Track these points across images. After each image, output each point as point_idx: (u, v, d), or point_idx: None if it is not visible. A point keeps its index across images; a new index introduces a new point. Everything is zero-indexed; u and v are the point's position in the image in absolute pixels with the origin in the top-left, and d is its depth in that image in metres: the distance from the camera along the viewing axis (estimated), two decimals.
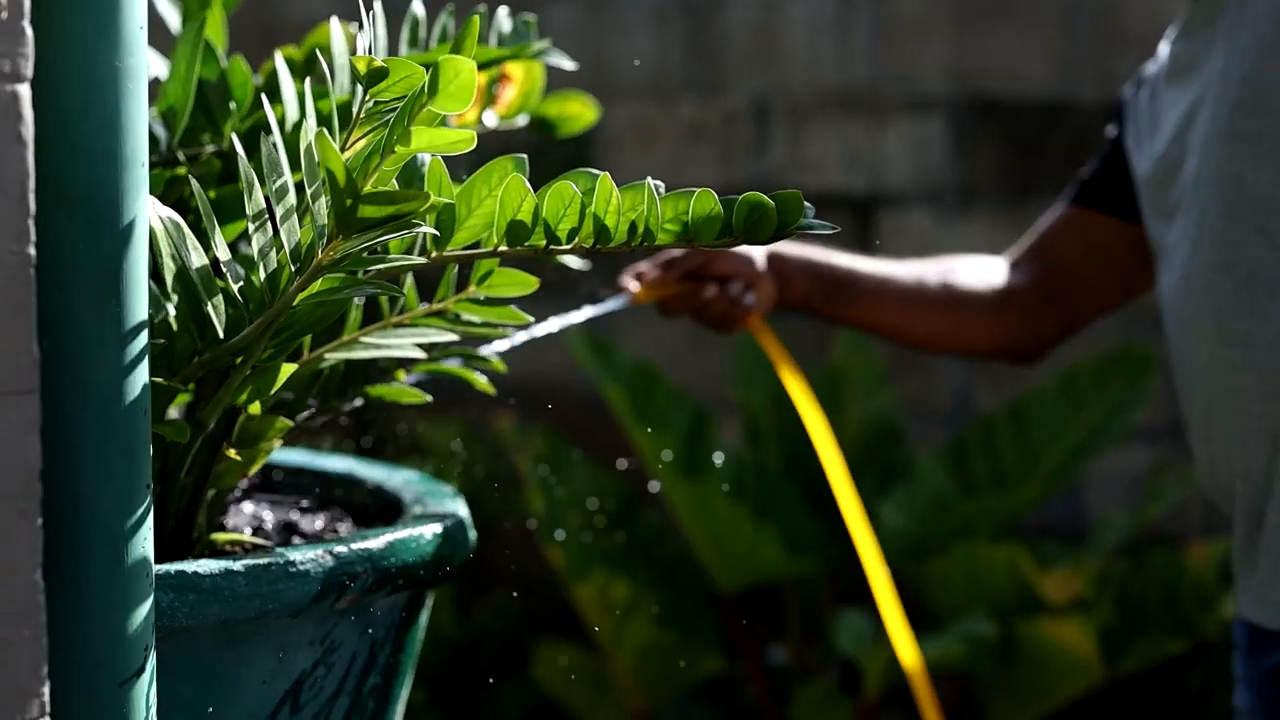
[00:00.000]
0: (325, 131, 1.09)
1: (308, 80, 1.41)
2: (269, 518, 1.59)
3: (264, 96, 1.34)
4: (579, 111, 1.74)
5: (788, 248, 2.00)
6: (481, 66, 1.58)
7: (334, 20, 1.52)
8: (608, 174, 1.23)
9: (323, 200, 1.15)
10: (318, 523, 1.60)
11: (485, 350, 1.63)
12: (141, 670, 1.15)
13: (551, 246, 1.27)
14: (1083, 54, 3.70)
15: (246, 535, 1.46)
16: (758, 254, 1.96)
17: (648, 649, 3.05)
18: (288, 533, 1.54)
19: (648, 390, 3.22)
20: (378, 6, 1.27)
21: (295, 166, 1.36)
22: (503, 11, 1.60)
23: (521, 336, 1.63)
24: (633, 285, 1.92)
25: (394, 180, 1.20)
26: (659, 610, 3.05)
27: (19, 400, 1.02)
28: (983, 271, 2.08)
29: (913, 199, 3.87)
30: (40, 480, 1.03)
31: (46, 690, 1.05)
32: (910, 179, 3.87)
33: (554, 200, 1.25)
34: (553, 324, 1.80)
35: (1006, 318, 2.05)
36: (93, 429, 1.10)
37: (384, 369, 1.55)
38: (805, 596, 3.34)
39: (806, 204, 1.24)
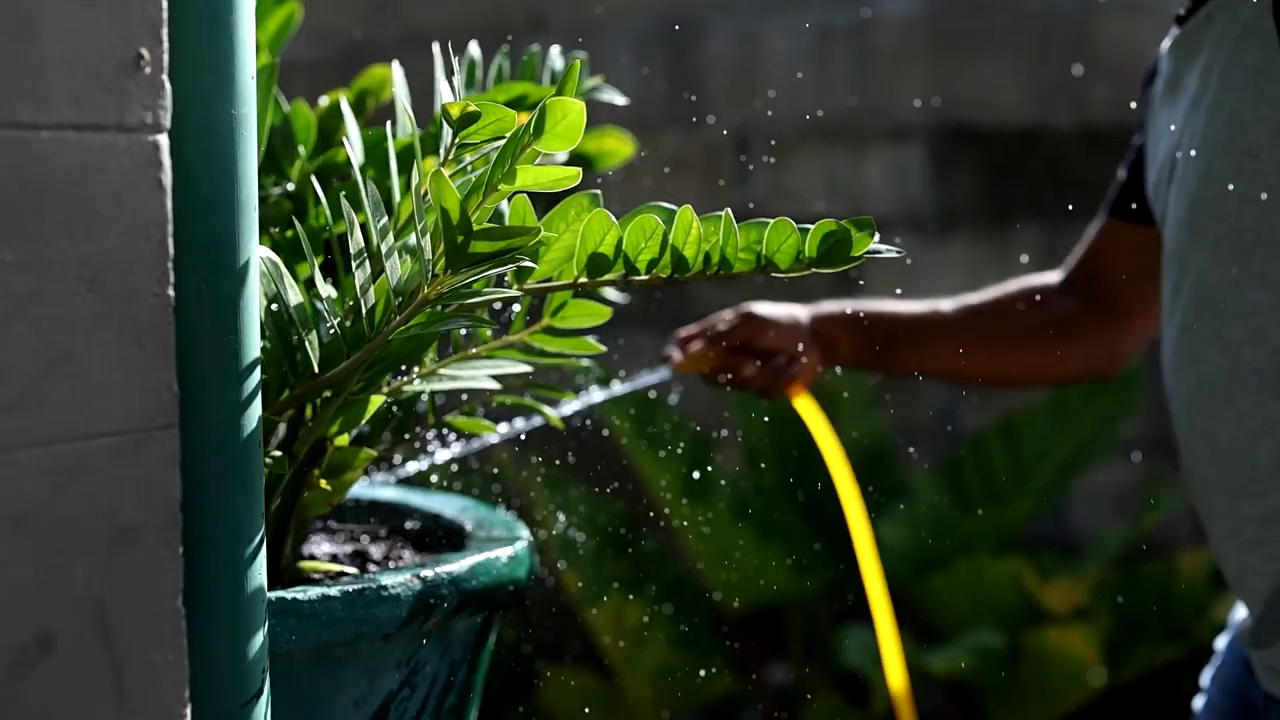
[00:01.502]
0: (442, 171, 1.14)
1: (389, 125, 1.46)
2: (330, 548, 1.63)
3: (346, 141, 1.39)
4: (616, 147, 1.80)
5: (832, 307, 1.99)
6: (534, 105, 1.64)
7: (395, 65, 1.58)
8: (689, 206, 1.29)
9: (427, 237, 1.20)
10: (380, 551, 1.65)
11: (526, 425, 1.70)
12: (260, 693, 1.20)
13: (631, 277, 1.32)
14: (1057, 81, 3.78)
15: (328, 564, 1.51)
16: (804, 322, 1.95)
17: (662, 670, 3.10)
18: (361, 561, 1.58)
19: (650, 416, 3.28)
20: (475, 50, 1.33)
21: (359, 206, 1.42)
22: (555, 50, 1.65)
23: (573, 405, 1.69)
24: (676, 356, 1.95)
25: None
26: (671, 632, 3.10)
27: (161, 435, 1.07)
28: (1041, 300, 2.03)
29: (894, 225, 3.94)
30: (181, 511, 1.08)
31: (188, 713, 1.10)
32: (891, 205, 3.94)
33: (635, 232, 1.30)
34: (600, 394, 1.90)
35: (1064, 346, 2.00)
36: (215, 462, 1.15)
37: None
38: (806, 615, 3.40)
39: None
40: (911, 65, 3.97)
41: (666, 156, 4.13)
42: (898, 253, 1.32)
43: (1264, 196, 1.57)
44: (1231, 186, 1.61)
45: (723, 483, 3.34)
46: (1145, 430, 3.61)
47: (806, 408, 1.96)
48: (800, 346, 1.93)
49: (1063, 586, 3.03)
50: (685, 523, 3.19)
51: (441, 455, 1.78)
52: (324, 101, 1.65)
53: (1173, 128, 1.74)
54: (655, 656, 3.09)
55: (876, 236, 1.31)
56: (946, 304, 2.03)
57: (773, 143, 4.11)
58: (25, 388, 0.98)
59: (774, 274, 1.33)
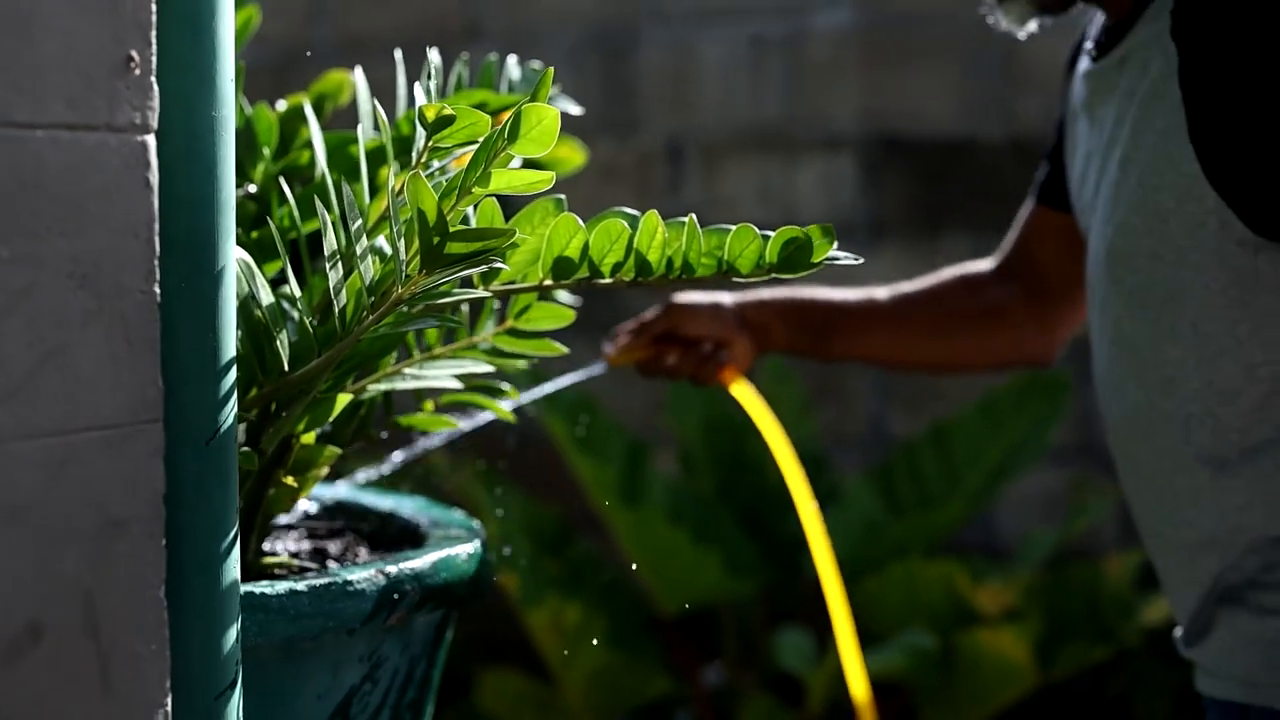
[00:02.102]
0: (420, 173, 1.17)
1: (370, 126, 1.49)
2: (290, 546, 1.66)
3: (316, 145, 1.42)
4: (569, 155, 1.83)
5: (765, 294, 2.00)
6: (494, 112, 1.67)
7: (359, 70, 1.61)
8: (654, 211, 1.33)
9: (402, 238, 1.23)
10: (337, 549, 1.67)
11: (466, 425, 1.74)
12: (234, 685, 1.23)
13: (595, 280, 1.36)
14: (987, 94, 3.85)
15: (290, 560, 1.53)
16: (729, 311, 1.98)
17: (599, 672, 3.14)
18: (320, 558, 1.61)
19: (586, 421, 3.32)
20: (435, 56, 1.36)
21: (330, 207, 1.45)
22: (512, 60, 1.69)
23: (511, 403, 1.73)
24: (609, 350, 1.98)
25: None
26: (608, 634, 3.13)
27: (147, 429, 1.09)
28: (975, 287, 2.05)
29: None
30: (164, 504, 1.11)
31: (169, 702, 1.12)
32: (822, 214, 3.99)
33: (601, 236, 1.34)
34: (537, 391, 1.93)
35: (999, 332, 2.03)
36: (194, 457, 1.18)
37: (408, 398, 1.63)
38: (740, 617, 3.45)
39: None
40: (844, 77, 4.02)
41: (600, 164, 4.16)
42: (855, 259, 1.37)
43: (1171, 258, 1.61)
44: (1143, 243, 1.64)
45: (658, 486, 3.38)
46: (1073, 436, 3.68)
47: (743, 393, 1.98)
48: (728, 333, 1.95)
49: (994, 589, 3.09)
50: (621, 526, 3.22)
51: (398, 456, 1.81)
52: (282, 105, 1.67)
53: (1090, 157, 1.77)
54: (592, 658, 3.13)
55: (836, 244, 1.35)
56: (881, 292, 2.06)
57: (706, 151, 4.16)
58: (19, 381, 1.00)
59: (735, 278, 1.36)
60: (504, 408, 1.65)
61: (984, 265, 2.08)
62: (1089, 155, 1.78)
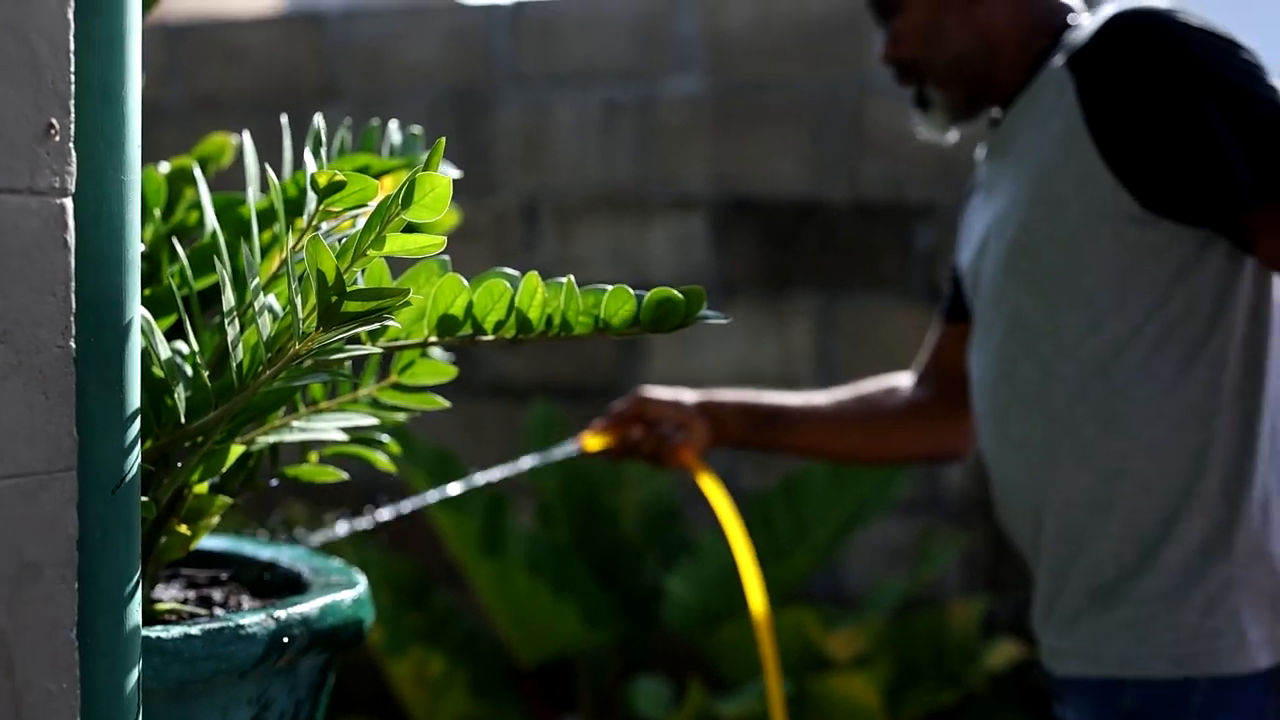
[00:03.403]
0: (319, 236, 1.24)
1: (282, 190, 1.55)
2: (176, 593, 1.70)
3: (205, 205, 1.48)
4: (446, 217, 1.90)
5: (721, 393, 2.33)
6: (376, 176, 1.74)
7: (245, 135, 1.67)
8: (535, 272, 1.40)
9: (299, 296, 1.30)
10: (221, 595, 1.72)
11: (433, 495, 1.87)
12: None
13: (479, 337, 1.43)
14: (833, 157, 3.97)
15: (180, 605, 1.58)
16: (690, 400, 2.28)
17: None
18: (206, 605, 1.66)
19: (446, 474, 3.37)
20: (320, 121, 1.43)
21: (210, 269, 1.52)
22: (393, 125, 1.76)
23: (480, 479, 1.88)
24: (584, 437, 2.24)
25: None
26: (469, 684, 3.18)
27: (62, 477, 1.15)
28: (898, 391, 2.37)
29: None
30: (77, 549, 1.16)
31: None
32: (674, 273, 4.09)
33: (484, 296, 1.41)
34: (506, 469, 2.17)
35: (919, 427, 2.34)
36: (102, 504, 1.23)
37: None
38: (596, 667, 3.51)
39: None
40: (695, 140, 4.13)
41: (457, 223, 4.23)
42: (723, 319, 1.45)
43: (1068, 238, 1.94)
44: (1042, 229, 1.97)
45: (517, 538, 3.44)
46: (918, 490, 3.81)
47: (699, 472, 2.23)
48: (687, 418, 2.25)
49: (844, 636, 3.19)
50: (481, 578, 3.28)
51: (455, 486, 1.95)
52: (165, 167, 1.73)
53: (983, 209, 2.11)
54: (454, 707, 3.17)
55: (705, 304, 1.44)
56: (819, 395, 2.38)
57: (560, 211, 4.24)
58: None
59: (610, 335, 1.45)
60: (383, 459, 1.72)
61: (903, 376, 2.41)
62: (983, 213, 2.12)
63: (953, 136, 2.15)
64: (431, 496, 1.95)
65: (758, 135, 4.07)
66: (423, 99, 4.41)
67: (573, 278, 1.42)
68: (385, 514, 1.98)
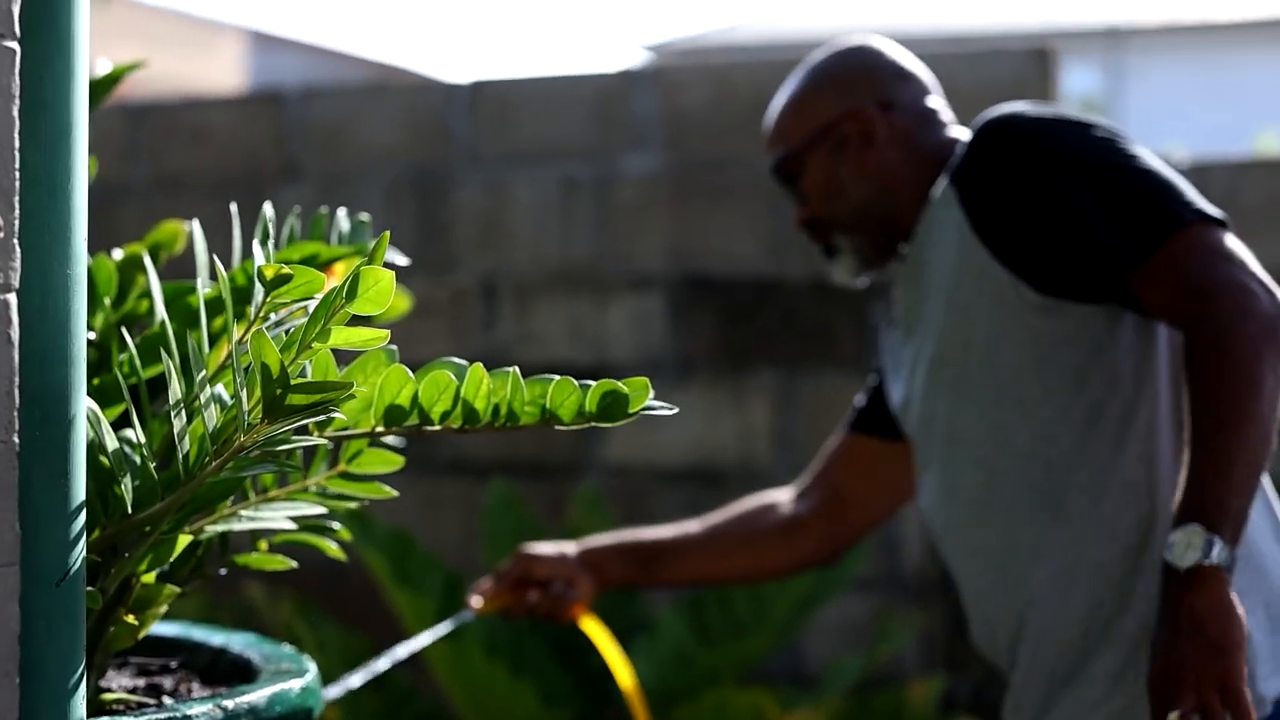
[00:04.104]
0: (263, 330, 1.25)
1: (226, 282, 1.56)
2: (125, 681, 1.70)
3: (155, 295, 1.49)
4: (395, 302, 1.91)
5: (599, 539, 2.42)
6: (324, 264, 1.76)
7: (195, 224, 1.68)
8: (480, 363, 1.42)
9: (244, 389, 1.30)
10: (171, 683, 1.72)
11: (357, 678, 1.99)
12: None
13: (425, 427, 1.44)
14: (790, 236, 4.00)
15: (128, 695, 1.58)
16: (572, 553, 2.36)
17: None
18: (155, 693, 1.65)
19: (404, 555, 3.37)
20: (268, 210, 1.44)
21: (154, 359, 1.53)
22: (342, 213, 1.77)
23: (385, 662, 2.05)
24: (475, 601, 2.33)
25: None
26: None
27: (4, 572, 1.15)
28: (773, 508, 2.42)
29: (635, 369, 4.10)
30: (19, 644, 1.16)
31: None
32: (632, 351, 4.11)
33: (430, 387, 1.42)
34: (409, 645, 2.31)
35: (799, 541, 2.39)
36: (46, 597, 1.23)
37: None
38: None
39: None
40: (652, 218, 4.16)
41: (415, 301, 4.23)
42: (669, 409, 1.47)
43: (981, 339, 2.01)
44: (957, 337, 2.02)
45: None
46: (876, 567, 3.82)
47: (591, 627, 2.32)
48: (572, 572, 2.33)
49: (802, 716, 3.19)
50: (439, 658, 3.27)
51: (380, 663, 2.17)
52: (118, 254, 1.74)
53: (902, 345, 2.19)
54: None
55: (651, 394, 1.45)
56: (694, 524, 2.45)
57: (518, 289, 4.26)
58: None
59: (556, 426, 1.46)
60: (333, 547, 1.72)
61: (783, 493, 2.46)
62: (902, 351, 2.20)
63: (863, 282, 2.23)
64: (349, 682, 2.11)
65: (716, 213, 4.10)
66: (382, 178, 4.44)
67: (518, 369, 1.42)
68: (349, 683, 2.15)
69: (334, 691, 2.12)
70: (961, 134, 2.16)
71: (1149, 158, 1.97)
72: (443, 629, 2.35)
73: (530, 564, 2.33)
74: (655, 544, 2.41)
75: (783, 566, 2.47)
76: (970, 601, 2.11)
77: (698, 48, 21.19)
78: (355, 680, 2.15)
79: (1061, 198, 1.94)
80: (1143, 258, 1.89)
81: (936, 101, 2.20)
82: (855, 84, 2.17)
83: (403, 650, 2.26)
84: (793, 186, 2.20)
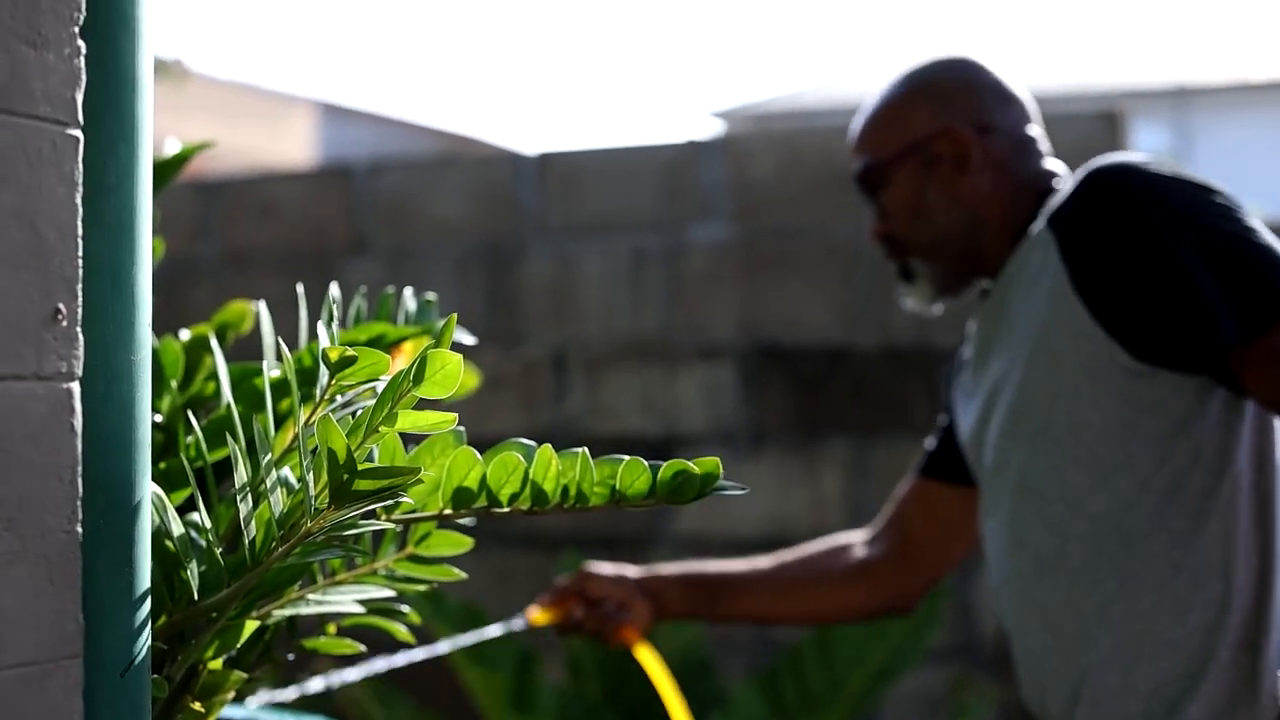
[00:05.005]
0: (330, 415, 1.24)
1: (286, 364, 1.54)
2: None
3: (221, 377, 1.48)
4: (464, 379, 1.90)
5: (664, 567, 2.34)
6: (391, 344, 1.74)
7: (262, 304, 1.67)
8: (549, 445, 1.39)
9: (311, 473, 1.29)
10: None
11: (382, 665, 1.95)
12: None
13: (494, 509, 1.42)
14: (862, 303, 3.98)
15: None
16: (631, 579, 2.30)
17: None
18: None
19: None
20: (335, 290, 1.43)
21: (221, 442, 1.51)
22: (408, 292, 1.76)
23: (420, 654, 2.01)
24: (530, 611, 2.29)
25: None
26: None
27: (67, 665, 1.13)
28: (845, 550, 2.37)
29: (706, 440, 4.08)
30: None
31: None
32: (703, 422, 4.09)
33: (498, 469, 1.40)
34: (456, 641, 2.30)
35: (867, 586, 2.34)
36: (110, 688, 1.22)
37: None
38: None
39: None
40: (723, 287, 4.14)
41: (486, 374, 4.24)
42: (740, 490, 1.44)
43: (1068, 394, 1.93)
44: (1042, 389, 1.96)
45: (547, 694, 3.40)
46: (952, 638, 3.76)
47: (644, 654, 2.27)
48: (628, 596, 2.27)
49: None
50: None
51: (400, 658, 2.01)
52: (185, 335, 1.74)
53: (977, 386, 2.12)
54: None
55: (722, 473, 1.43)
56: (764, 560, 2.37)
57: (588, 361, 4.25)
58: None
59: (626, 507, 1.43)
60: (402, 630, 1.70)
61: (856, 534, 2.40)
62: (975, 388, 2.13)
63: (938, 309, 2.17)
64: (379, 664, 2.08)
65: (786, 281, 4.08)
66: (451, 250, 4.44)
67: (587, 451, 1.40)
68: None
69: (354, 674, 2.11)
70: (1058, 167, 2.09)
71: (1263, 231, 1.86)
72: (493, 631, 2.32)
73: (586, 581, 2.29)
74: (720, 576, 2.35)
75: (849, 610, 2.40)
76: (1022, 658, 2.05)
77: (767, 113, 21.24)
78: (380, 665, 2.14)
79: (1171, 261, 1.83)
80: (1249, 338, 1.80)
81: (1035, 130, 2.12)
82: (954, 101, 2.08)
83: (444, 646, 2.27)
84: (874, 197, 2.11)
